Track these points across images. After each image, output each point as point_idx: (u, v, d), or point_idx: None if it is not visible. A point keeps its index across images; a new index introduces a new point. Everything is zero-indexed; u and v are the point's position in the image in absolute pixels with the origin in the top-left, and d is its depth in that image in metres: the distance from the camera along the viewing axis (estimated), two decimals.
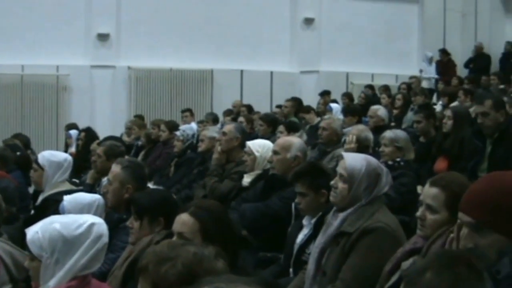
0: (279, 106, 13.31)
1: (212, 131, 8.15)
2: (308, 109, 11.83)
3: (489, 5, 19.16)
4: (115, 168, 5.12)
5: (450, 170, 6.51)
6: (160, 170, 9.44)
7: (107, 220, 4.00)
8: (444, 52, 18.49)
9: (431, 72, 17.98)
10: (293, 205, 5.09)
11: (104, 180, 5.83)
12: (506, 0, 19.19)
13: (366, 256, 3.87)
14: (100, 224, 3.30)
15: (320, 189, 4.60)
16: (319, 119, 11.10)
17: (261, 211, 5.41)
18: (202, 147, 8.05)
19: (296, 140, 6.03)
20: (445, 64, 18.26)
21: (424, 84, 16.79)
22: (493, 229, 2.61)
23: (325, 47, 17.81)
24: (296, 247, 4.65)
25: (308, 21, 17.72)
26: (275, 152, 5.82)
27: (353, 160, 4.15)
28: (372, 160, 4.25)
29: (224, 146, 7.12)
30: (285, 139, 6.19)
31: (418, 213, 3.51)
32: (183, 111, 13.95)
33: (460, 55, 18.86)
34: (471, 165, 6.59)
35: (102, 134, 10.84)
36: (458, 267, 2.21)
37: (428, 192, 3.48)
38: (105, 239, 3.28)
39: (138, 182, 5.03)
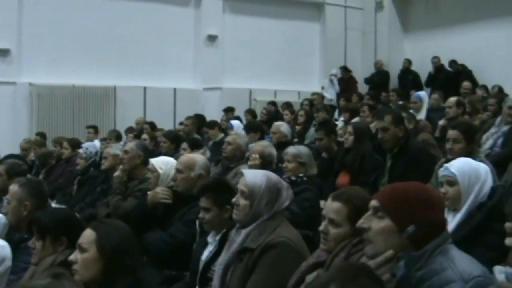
0: (182, 123, 13.26)
1: (115, 149, 8.06)
2: (213, 124, 11.80)
3: (388, 24, 19.67)
4: (13, 187, 5.04)
5: (352, 184, 6.63)
6: (62, 188, 9.28)
7: (8, 239, 3.90)
8: (345, 69, 18.84)
9: (335, 88, 18.28)
10: (197, 222, 5.07)
11: (5, 199, 5.70)
12: (404, 19, 19.72)
13: (270, 272, 3.88)
14: (3, 247, 3.22)
15: (224, 204, 4.61)
16: (222, 135, 11.13)
17: (166, 242, 5.34)
18: (105, 164, 7.97)
19: (199, 158, 6.01)
20: (346, 81, 18.61)
21: (326, 101, 17.07)
22: (390, 215, 2.78)
23: (228, 64, 17.86)
24: (201, 264, 4.62)
25: (211, 38, 17.75)
26: (178, 171, 5.78)
27: (253, 177, 4.19)
28: (272, 175, 4.29)
29: (127, 165, 7.06)
30: (188, 157, 6.16)
31: (321, 227, 3.54)
32: (87, 127, 13.77)
33: (361, 72, 19.26)
34: (372, 179, 6.72)
35: (2, 152, 10.59)
36: (361, 279, 2.27)
37: (330, 206, 3.53)
38: (8, 262, 3.21)
39: (37, 199, 4.95)
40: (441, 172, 4.36)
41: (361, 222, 2.87)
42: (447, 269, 2.72)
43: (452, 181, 4.23)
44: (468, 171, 4.23)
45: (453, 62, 17.01)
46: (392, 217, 2.78)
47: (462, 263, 2.76)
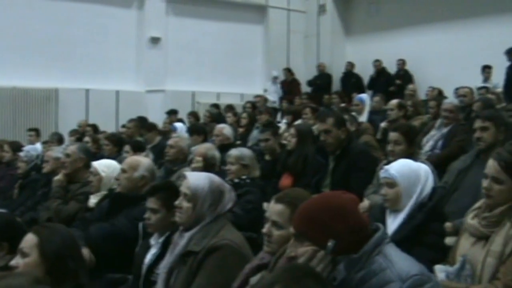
0: (125, 126, 13.15)
1: (56, 152, 7.96)
2: (150, 127, 11.71)
3: (330, 28, 19.84)
4: None
5: (294, 186, 6.65)
6: (3, 192, 9.12)
7: None
8: (288, 71, 18.94)
9: (277, 90, 18.36)
10: (140, 225, 5.03)
11: None
12: (346, 23, 19.91)
13: (214, 274, 3.87)
14: None
15: (172, 207, 4.60)
16: (160, 138, 11.11)
17: (107, 230, 5.31)
18: (46, 168, 7.86)
19: (145, 160, 5.99)
20: (289, 83, 18.70)
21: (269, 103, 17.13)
22: (308, 239, 2.80)
23: (171, 66, 17.83)
24: (144, 267, 4.60)
25: (154, 40, 17.68)
26: (123, 171, 5.77)
27: (196, 179, 4.20)
28: (215, 178, 4.30)
29: (68, 168, 6.99)
30: (134, 158, 6.14)
31: (264, 230, 3.54)
32: (29, 130, 13.56)
33: (304, 75, 19.37)
34: (315, 181, 6.76)
35: None
36: (305, 280, 2.29)
37: (273, 208, 3.54)
38: None
39: None
40: (381, 174, 4.39)
41: (288, 252, 2.91)
42: (385, 270, 2.76)
43: (391, 183, 4.26)
44: (407, 173, 4.27)
45: (400, 62, 17.28)
46: (310, 240, 2.79)
47: (400, 262, 2.80)
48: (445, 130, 8.03)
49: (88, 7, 16.67)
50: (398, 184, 4.23)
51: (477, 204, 3.89)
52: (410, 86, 14.00)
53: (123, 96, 17.04)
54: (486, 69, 14.69)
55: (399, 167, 4.32)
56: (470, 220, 3.83)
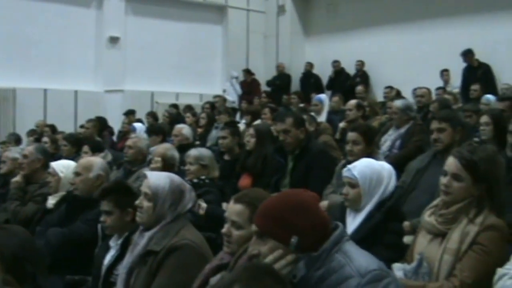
0: (83, 126, 13.05)
1: (14, 152, 7.89)
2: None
3: (290, 28, 19.89)
4: None
5: (254, 186, 6.67)
6: None
7: None
8: (247, 72, 18.95)
9: (236, 90, 18.37)
10: (99, 226, 5.02)
11: None
12: (305, 23, 19.98)
13: (173, 274, 3.87)
14: None
15: (126, 207, 4.59)
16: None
17: (66, 236, 5.29)
18: (4, 169, 7.79)
19: (97, 160, 6.00)
20: (249, 83, 18.72)
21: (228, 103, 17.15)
22: (271, 236, 2.80)
23: (130, 66, 17.70)
24: (104, 268, 4.58)
25: (113, 40, 17.55)
26: (76, 174, 5.75)
27: (157, 179, 4.19)
28: (176, 177, 4.30)
29: (26, 169, 6.94)
30: (86, 159, 6.13)
31: (224, 230, 3.53)
32: None
33: (263, 75, 19.41)
34: (274, 180, 6.78)
35: None
36: (265, 279, 2.30)
37: (232, 208, 3.53)
38: None
39: None
40: (344, 173, 4.41)
41: (251, 250, 2.90)
42: (344, 266, 2.78)
43: (353, 184, 4.29)
44: (369, 174, 4.30)
45: (359, 63, 17.42)
46: (273, 237, 2.80)
47: (359, 258, 2.83)
48: (402, 130, 8.09)
49: (47, 6, 16.47)
50: (359, 184, 4.27)
51: (434, 202, 3.94)
52: (359, 88, 14.05)
53: (81, 96, 16.90)
54: (445, 72, 14.89)
55: (362, 168, 4.35)
56: (427, 217, 3.87)
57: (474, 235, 3.59)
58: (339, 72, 17.88)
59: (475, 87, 12.33)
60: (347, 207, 4.40)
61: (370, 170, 4.35)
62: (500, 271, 3.38)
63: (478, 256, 3.55)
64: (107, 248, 4.73)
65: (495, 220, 3.64)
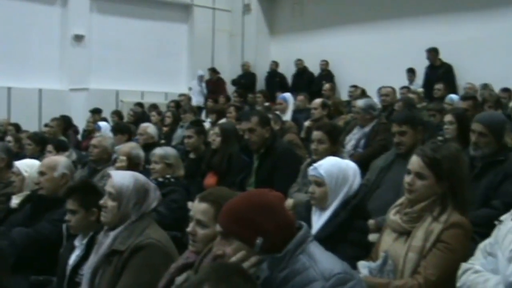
0: (47, 125, 12.95)
1: None
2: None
3: (255, 27, 19.93)
4: None
5: (219, 185, 6.67)
6: None
7: None
8: (213, 70, 18.94)
9: (201, 89, 18.35)
10: (64, 226, 5.00)
11: None
12: (271, 22, 20.02)
13: (139, 274, 3.86)
14: None
15: (91, 207, 4.57)
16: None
17: (31, 237, 5.25)
18: None
19: (61, 159, 5.96)
20: (214, 82, 18.71)
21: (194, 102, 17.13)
22: (236, 237, 2.80)
23: (95, 65, 17.59)
24: (68, 268, 4.55)
25: (78, 38, 17.42)
26: (41, 173, 5.70)
27: (121, 178, 4.18)
28: (140, 176, 4.29)
29: None
30: (50, 158, 6.08)
31: (189, 229, 3.52)
32: None
33: (228, 74, 19.41)
34: (239, 179, 6.80)
35: None
36: (234, 278, 2.30)
37: (198, 207, 3.51)
38: None
39: None
40: (311, 171, 4.43)
41: (215, 250, 2.89)
42: (309, 269, 2.78)
43: (320, 182, 4.30)
44: (336, 173, 4.31)
45: (323, 62, 17.50)
46: (238, 238, 2.79)
47: (323, 261, 2.83)
48: (367, 129, 8.15)
49: (10, 4, 16.30)
50: (326, 183, 4.29)
51: (399, 201, 3.97)
52: (326, 86, 14.12)
53: (46, 94, 16.76)
54: (410, 73, 15.04)
55: (328, 167, 4.37)
56: (392, 216, 3.90)
57: (438, 233, 3.62)
58: (302, 71, 17.97)
59: (438, 86, 12.47)
60: (313, 206, 4.42)
61: (336, 169, 4.36)
62: (464, 265, 3.43)
63: (442, 253, 3.58)
64: (72, 248, 4.70)
65: (459, 218, 3.68)
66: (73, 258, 4.60)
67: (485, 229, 3.93)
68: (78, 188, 4.78)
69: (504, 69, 13.41)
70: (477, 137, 5.37)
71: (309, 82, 17.47)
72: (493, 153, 5.31)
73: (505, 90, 11.84)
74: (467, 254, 3.57)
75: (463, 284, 3.36)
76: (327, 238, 3.83)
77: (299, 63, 17.94)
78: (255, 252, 2.76)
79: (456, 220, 3.66)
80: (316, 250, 2.91)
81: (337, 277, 2.76)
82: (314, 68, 17.90)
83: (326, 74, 17.38)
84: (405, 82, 14.69)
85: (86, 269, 4.18)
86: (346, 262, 2.95)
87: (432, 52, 14.53)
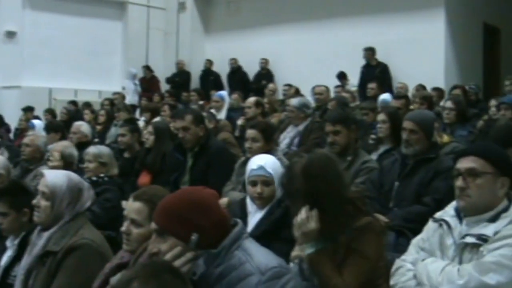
0: None
1: None
2: None
3: (190, 25, 19.85)
4: None
5: (153, 184, 6.66)
6: None
7: None
8: (147, 69, 18.85)
9: (135, 88, 18.24)
10: None
11: None
12: (205, 21, 19.99)
13: (73, 275, 3.83)
14: None
15: (22, 208, 4.51)
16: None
17: None
18: None
19: None
20: (148, 80, 18.62)
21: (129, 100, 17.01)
22: (171, 234, 2.81)
23: (28, 62, 17.27)
24: (0, 270, 4.50)
25: (10, 35, 17.13)
26: None
27: (54, 177, 4.14)
28: (73, 175, 4.26)
29: None
30: None
31: (123, 228, 3.52)
32: None
33: (163, 72, 19.33)
34: (173, 178, 6.78)
35: None
36: (163, 275, 2.31)
37: (131, 206, 3.52)
38: None
39: None
40: (257, 171, 4.40)
41: (151, 248, 2.89)
42: (244, 263, 2.82)
43: (268, 181, 4.31)
44: (280, 171, 4.34)
45: (263, 61, 17.59)
46: (173, 234, 2.80)
47: (259, 256, 2.87)
48: (300, 127, 8.23)
49: None
50: (274, 182, 4.32)
51: None
52: (271, 86, 14.25)
53: None
54: (342, 78, 15.21)
55: (273, 164, 4.39)
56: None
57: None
58: (236, 70, 18.04)
59: (372, 85, 12.66)
60: (257, 205, 4.43)
61: (279, 167, 4.40)
62: (397, 262, 3.48)
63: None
64: (3, 249, 4.63)
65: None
66: (4, 260, 4.53)
67: (416, 224, 4.03)
68: (6, 190, 4.71)
69: (433, 69, 13.77)
70: (408, 135, 5.47)
71: (244, 81, 17.54)
72: (424, 150, 5.42)
73: (436, 89, 12.06)
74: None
75: (395, 285, 3.42)
76: (262, 236, 3.87)
77: (233, 62, 18.00)
78: (191, 249, 2.77)
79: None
80: (252, 246, 2.94)
81: (273, 270, 2.80)
82: (249, 67, 17.94)
83: (266, 73, 17.46)
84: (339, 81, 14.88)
85: (19, 271, 4.13)
86: (281, 258, 2.99)
87: (369, 52, 14.77)
